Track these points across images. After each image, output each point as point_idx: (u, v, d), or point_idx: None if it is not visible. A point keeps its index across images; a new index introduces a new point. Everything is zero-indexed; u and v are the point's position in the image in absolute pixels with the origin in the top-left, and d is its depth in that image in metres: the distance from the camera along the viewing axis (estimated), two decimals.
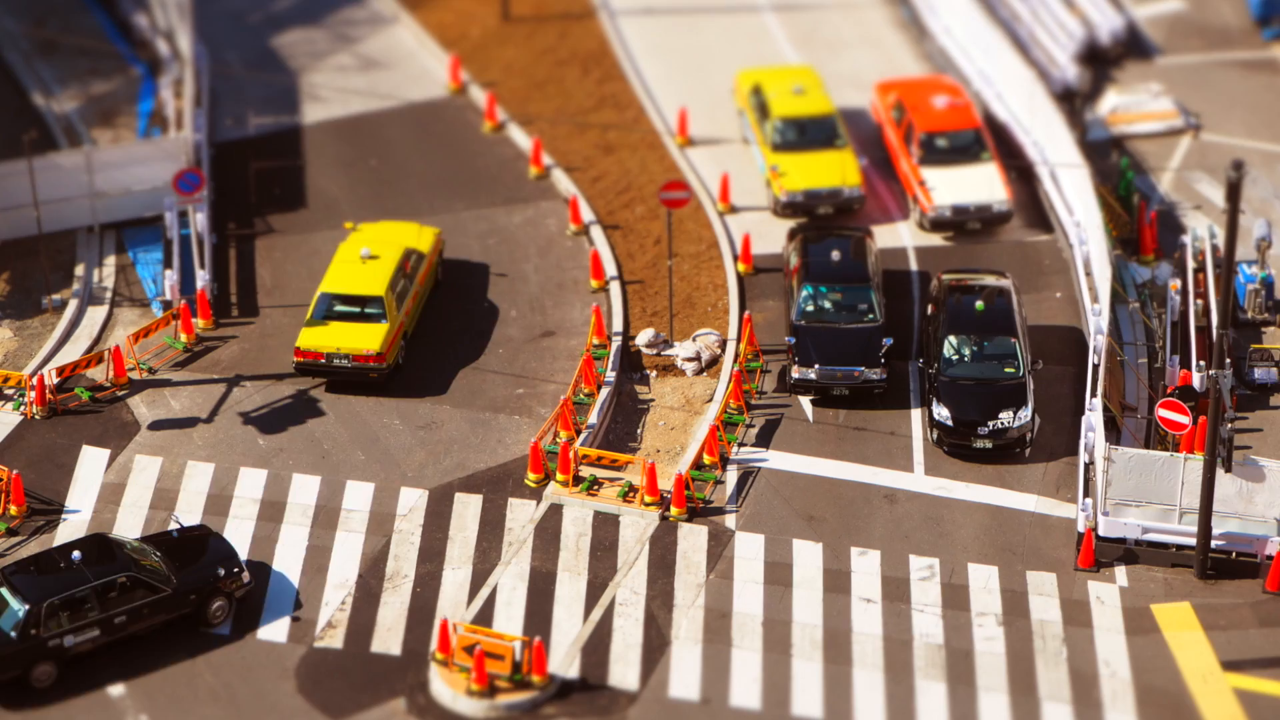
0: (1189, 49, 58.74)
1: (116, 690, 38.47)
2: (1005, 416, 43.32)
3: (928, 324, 45.48)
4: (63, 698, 38.28)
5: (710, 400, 45.66)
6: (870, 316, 46.13)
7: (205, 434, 44.72)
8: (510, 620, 39.94)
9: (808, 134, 52.17)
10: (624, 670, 38.79)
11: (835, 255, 47.31)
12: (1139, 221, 50.25)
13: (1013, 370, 44.01)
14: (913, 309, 48.38)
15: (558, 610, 40.18)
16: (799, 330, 45.89)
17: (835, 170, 51.26)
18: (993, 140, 52.48)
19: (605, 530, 42.13)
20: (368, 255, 46.72)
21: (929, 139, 51.37)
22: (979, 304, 44.90)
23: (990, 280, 46.19)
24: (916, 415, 45.02)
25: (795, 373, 45.24)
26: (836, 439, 44.69)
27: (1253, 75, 57.46)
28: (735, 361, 46.32)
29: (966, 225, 50.40)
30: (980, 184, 50.53)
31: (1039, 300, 48.74)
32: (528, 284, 49.45)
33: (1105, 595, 40.53)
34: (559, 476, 42.97)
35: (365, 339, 45.30)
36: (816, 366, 45.13)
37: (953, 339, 44.34)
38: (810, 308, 46.30)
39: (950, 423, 43.31)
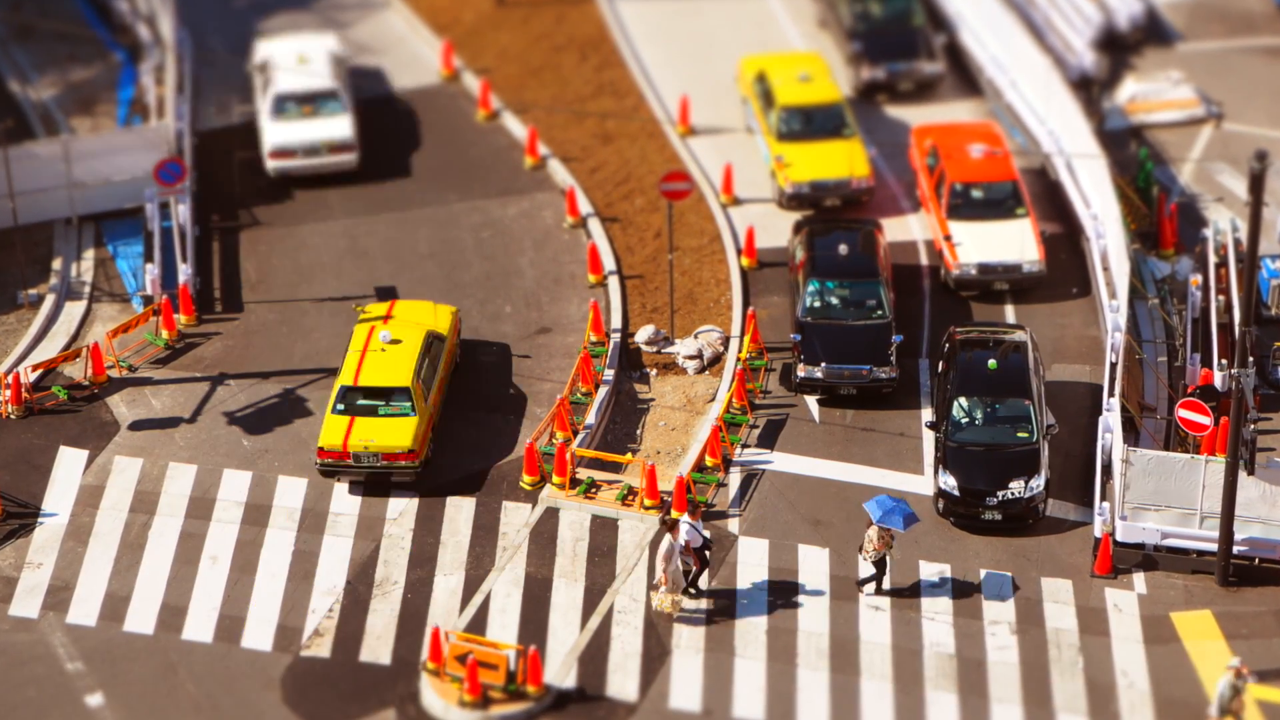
0: (1210, 35, 58.78)
1: (94, 700, 38.30)
2: (1016, 486, 41.57)
3: (939, 383, 43.82)
4: (40, 706, 38.17)
5: (712, 400, 45.41)
6: (879, 313, 45.80)
7: (187, 434, 44.65)
8: (504, 628, 39.74)
9: (814, 123, 51.93)
10: (623, 680, 38.62)
11: (843, 249, 47.00)
12: (1158, 214, 50.10)
13: (1026, 435, 42.27)
14: (924, 304, 48.13)
15: (554, 618, 39.97)
16: (805, 327, 45.61)
17: (843, 161, 50.95)
18: (1029, 195, 49.91)
19: (603, 535, 41.89)
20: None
21: (961, 190, 49.11)
22: (991, 362, 43.21)
23: (1005, 334, 44.30)
24: (926, 417, 44.64)
25: (801, 371, 44.97)
26: (844, 440, 44.39)
27: (1277, 62, 57.58)
28: (738, 359, 46.00)
29: (993, 285, 48.10)
30: (1011, 241, 48.20)
31: (1052, 295, 48.34)
32: (523, 279, 49.35)
33: (1123, 603, 40.26)
34: (555, 479, 42.88)
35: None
36: (823, 365, 44.79)
37: (962, 400, 42.69)
38: (817, 304, 45.95)
39: (956, 492, 41.65)
